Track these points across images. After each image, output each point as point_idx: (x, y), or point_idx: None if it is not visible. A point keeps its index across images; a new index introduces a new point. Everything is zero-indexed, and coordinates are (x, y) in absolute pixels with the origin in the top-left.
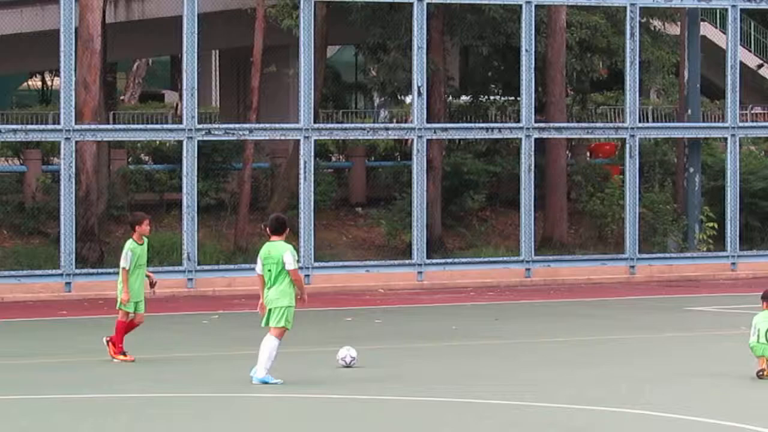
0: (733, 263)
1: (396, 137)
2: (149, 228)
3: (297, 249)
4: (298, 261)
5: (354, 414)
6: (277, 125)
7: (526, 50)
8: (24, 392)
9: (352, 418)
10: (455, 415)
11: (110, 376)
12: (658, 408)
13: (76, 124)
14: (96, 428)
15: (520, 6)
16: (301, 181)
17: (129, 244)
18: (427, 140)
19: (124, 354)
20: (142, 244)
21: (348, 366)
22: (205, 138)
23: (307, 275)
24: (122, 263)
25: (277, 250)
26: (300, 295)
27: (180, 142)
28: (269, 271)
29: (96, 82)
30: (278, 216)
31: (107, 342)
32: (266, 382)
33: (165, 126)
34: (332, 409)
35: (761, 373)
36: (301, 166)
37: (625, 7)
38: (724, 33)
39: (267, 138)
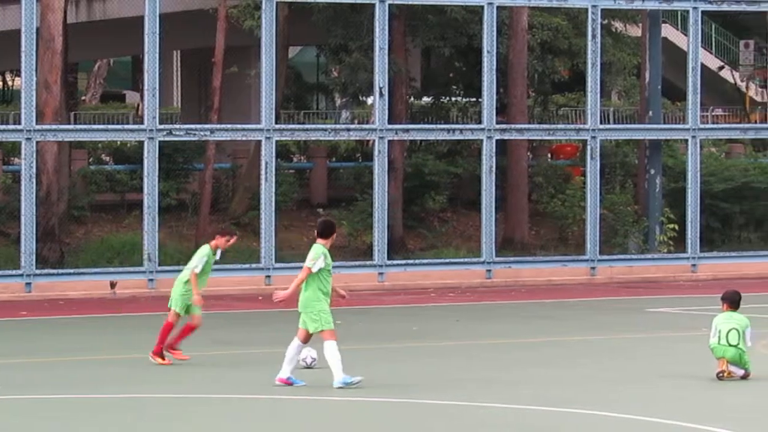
0: (694, 265)
1: (357, 138)
2: (226, 245)
3: (258, 250)
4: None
5: (313, 415)
6: (238, 126)
7: (488, 51)
8: None
9: (312, 419)
10: (417, 417)
11: (72, 378)
12: (617, 409)
13: (37, 124)
14: (58, 429)
15: (482, 7)
16: (263, 181)
17: (206, 249)
18: (389, 141)
19: (162, 357)
20: (215, 255)
21: (309, 367)
22: (167, 138)
23: (268, 276)
24: (193, 264)
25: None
26: (280, 294)
27: (141, 143)
28: None
29: (57, 83)
30: (326, 219)
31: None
32: (348, 383)
33: (126, 126)
34: (291, 410)
35: (721, 374)
36: (263, 166)
37: (587, 9)
38: (686, 35)
39: (228, 139)
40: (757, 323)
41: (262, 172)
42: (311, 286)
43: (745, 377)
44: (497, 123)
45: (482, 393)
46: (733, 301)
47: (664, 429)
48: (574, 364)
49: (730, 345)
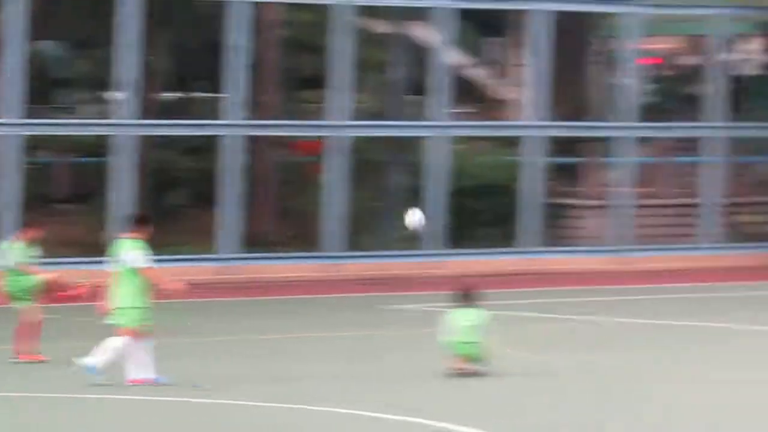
0: (436, 262)
1: (102, 133)
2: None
3: None
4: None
5: (78, 415)
6: None
7: (236, 47)
8: None
9: (78, 419)
10: (152, 414)
11: None
12: (366, 407)
13: None
14: None
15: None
16: (5, 177)
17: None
18: (135, 136)
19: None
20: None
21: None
22: None
23: None
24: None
25: (122, 248)
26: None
27: None
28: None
29: None
30: (140, 212)
31: None
32: (89, 370)
33: None
34: (61, 409)
35: (456, 370)
36: (6, 162)
37: (336, 6)
38: (433, 32)
39: None
40: (494, 320)
41: (5, 167)
42: (130, 281)
43: (479, 373)
44: (244, 119)
45: (221, 390)
46: (465, 296)
47: (404, 427)
48: (320, 360)
49: (467, 341)
